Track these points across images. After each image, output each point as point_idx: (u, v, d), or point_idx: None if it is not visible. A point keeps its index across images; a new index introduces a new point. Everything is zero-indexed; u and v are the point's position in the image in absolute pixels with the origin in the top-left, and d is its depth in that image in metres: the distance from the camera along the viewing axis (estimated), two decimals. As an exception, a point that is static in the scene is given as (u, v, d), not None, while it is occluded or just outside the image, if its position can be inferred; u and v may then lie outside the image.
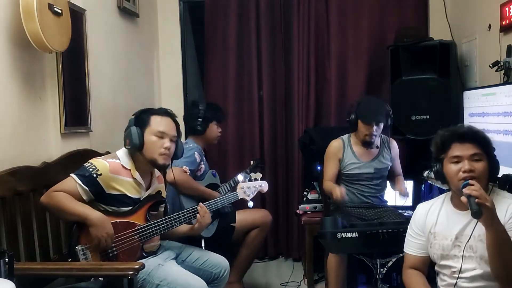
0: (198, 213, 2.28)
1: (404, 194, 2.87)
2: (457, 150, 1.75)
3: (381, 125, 2.91)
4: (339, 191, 2.74)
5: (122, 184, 2.13)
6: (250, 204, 2.70)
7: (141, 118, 2.20)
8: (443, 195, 1.94)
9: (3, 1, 2.05)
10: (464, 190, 1.64)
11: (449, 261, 1.80)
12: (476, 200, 1.59)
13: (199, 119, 3.06)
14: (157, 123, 2.19)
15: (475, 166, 1.72)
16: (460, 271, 1.75)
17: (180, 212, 2.27)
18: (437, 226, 1.85)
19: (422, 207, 1.96)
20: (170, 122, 2.24)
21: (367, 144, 2.94)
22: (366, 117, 2.89)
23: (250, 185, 2.67)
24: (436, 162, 1.83)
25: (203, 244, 2.73)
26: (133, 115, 2.23)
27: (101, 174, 2.06)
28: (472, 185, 1.64)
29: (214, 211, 2.49)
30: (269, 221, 3.18)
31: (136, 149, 2.16)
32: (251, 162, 3.47)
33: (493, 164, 1.78)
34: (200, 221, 2.27)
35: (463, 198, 1.64)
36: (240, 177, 3.09)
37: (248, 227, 3.08)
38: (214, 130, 3.14)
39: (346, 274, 2.77)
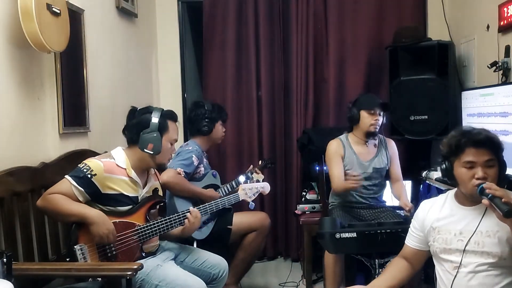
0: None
1: (410, 213, 2.78)
2: (472, 155, 1.74)
3: (382, 115, 2.95)
4: (352, 180, 2.79)
5: (118, 183, 2.12)
6: (252, 205, 2.69)
7: (161, 123, 2.19)
8: (447, 193, 1.95)
9: (1, 1, 2.04)
10: (486, 192, 1.64)
11: (451, 255, 1.82)
12: (503, 200, 1.59)
13: (206, 120, 3.03)
14: (174, 130, 2.27)
15: (488, 173, 1.72)
16: (461, 264, 1.78)
17: (181, 212, 2.27)
18: (440, 221, 1.87)
19: (424, 203, 1.98)
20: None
21: (371, 135, 2.96)
22: (369, 104, 2.94)
23: (251, 187, 2.66)
24: (445, 160, 1.83)
25: (195, 246, 2.70)
26: (153, 115, 2.18)
27: (95, 174, 2.06)
28: (489, 187, 1.65)
29: (214, 212, 2.47)
30: (267, 224, 3.13)
31: (155, 155, 2.18)
32: (260, 162, 3.42)
33: (502, 168, 1.78)
34: (187, 225, 2.25)
35: (485, 201, 1.64)
36: (241, 178, 3.07)
37: (245, 230, 3.05)
38: (219, 130, 3.13)
39: (344, 272, 2.77)
